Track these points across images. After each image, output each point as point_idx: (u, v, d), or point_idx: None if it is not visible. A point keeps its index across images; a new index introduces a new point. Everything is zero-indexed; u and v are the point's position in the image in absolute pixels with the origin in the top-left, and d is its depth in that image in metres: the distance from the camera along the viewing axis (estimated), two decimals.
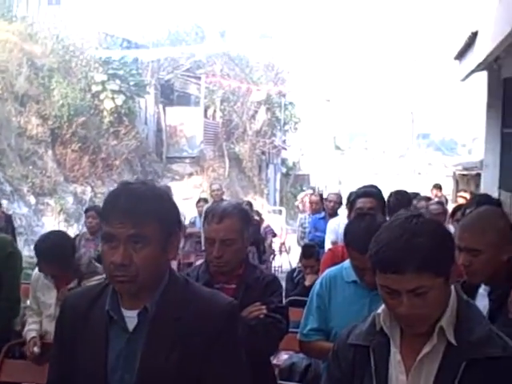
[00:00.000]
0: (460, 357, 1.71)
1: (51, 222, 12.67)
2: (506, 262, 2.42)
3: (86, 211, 6.96)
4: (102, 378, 1.80)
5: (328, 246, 5.61)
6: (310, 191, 21.51)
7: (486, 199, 4.33)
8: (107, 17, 19.87)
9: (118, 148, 16.53)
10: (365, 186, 4.27)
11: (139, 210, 1.74)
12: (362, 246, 2.67)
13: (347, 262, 2.93)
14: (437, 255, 1.68)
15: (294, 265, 11.14)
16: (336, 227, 5.76)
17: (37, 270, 4.05)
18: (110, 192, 1.86)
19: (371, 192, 4.04)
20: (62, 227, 12.66)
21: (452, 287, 1.79)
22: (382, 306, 1.81)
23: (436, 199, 8.17)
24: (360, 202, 3.91)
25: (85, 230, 7.37)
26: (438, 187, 10.12)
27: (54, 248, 3.83)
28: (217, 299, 1.88)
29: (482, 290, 2.52)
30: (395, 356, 1.79)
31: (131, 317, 1.80)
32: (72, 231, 12.88)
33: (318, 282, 3.01)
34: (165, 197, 1.87)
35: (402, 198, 5.07)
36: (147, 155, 18.70)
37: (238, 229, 2.78)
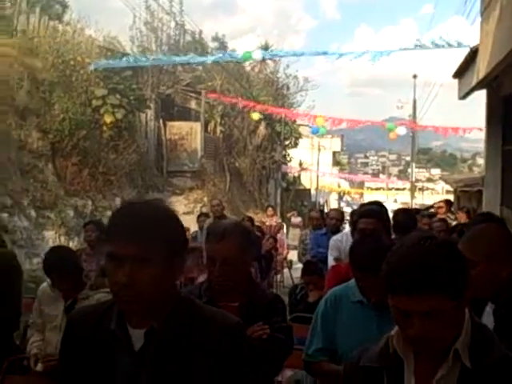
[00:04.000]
0: (476, 380, 1.69)
1: (52, 236, 12.65)
2: (506, 278, 2.39)
3: (85, 225, 6.94)
4: None
5: (331, 262, 5.59)
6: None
7: (488, 217, 4.30)
8: (107, 31, 20.00)
9: (118, 162, 16.54)
10: (369, 203, 4.25)
11: (144, 231, 1.72)
12: (366, 267, 2.66)
13: (352, 282, 2.91)
14: (451, 277, 1.65)
15: (296, 280, 11.13)
16: (339, 244, 5.74)
17: (44, 284, 4.10)
18: (115, 211, 1.84)
19: (374, 212, 3.98)
20: (63, 241, 12.65)
21: (466, 310, 1.76)
22: (396, 328, 1.78)
23: (444, 216, 8.10)
24: (362, 223, 3.87)
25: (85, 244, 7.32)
26: (447, 203, 9.68)
27: (66, 263, 3.92)
28: (224, 319, 1.85)
29: (489, 308, 2.50)
30: (409, 379, 1.76)
31: (138, 336, 1.78)
32: (73, 245, 12.85)
33: (322, 301, 2.98)
34: (170, 217, 1.85)
35: (410, 217, 5.05)
36: (148, 169, 18.71)
37: (240, 248, 2.74)
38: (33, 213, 12.40)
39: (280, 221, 14.52)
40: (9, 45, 15.24)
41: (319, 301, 5.49)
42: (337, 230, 7.51)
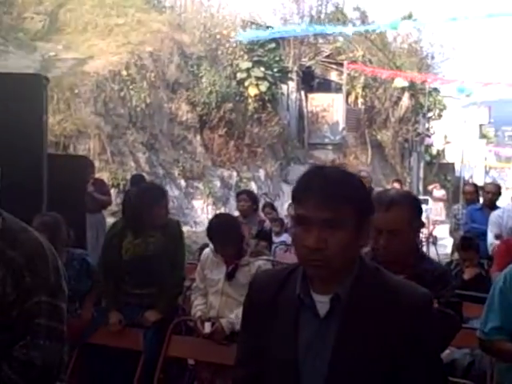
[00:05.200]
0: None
1: (200, 205, 13.15)
2: None
3: (238, 195, 7.09)
4: (294, 364, 1.78)
5: (491, 239, 5.33)
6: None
7: None
8: (252, 4, 20.21)
9: (261, 134, 16.78)
10: None
11: (336, 194, 1.70)
12: None
13: None
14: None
15: (442, 256, 10.78)
16: (499, 220, 5.46)
17: (207, 249, 4.27)
18: (304, 174, 1.82)
19: None
20: (210, 210, 13.12)
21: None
22: None
23: None
24: None
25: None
26: None
27: (229, 230, 4.07)
28: (411, 290, 1.80)
29: None
30: None
31: (323, 302, 1.76)
32: None
33: (501, 276, 2.82)
34: (359, 180, 1.82)
35: None
36: (289, 141, 18.83)
37: (407, 218, 2.65)
38: (183, 183, 12.95)
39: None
40: (160, 21, 15.92)
41: (475, 278, 5.28)
42: (493, 204, 7.14)
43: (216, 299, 4.14)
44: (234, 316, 4.03)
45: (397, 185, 12.26)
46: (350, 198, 1.71)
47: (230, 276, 4.11)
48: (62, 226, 4.14)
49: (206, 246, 6.93)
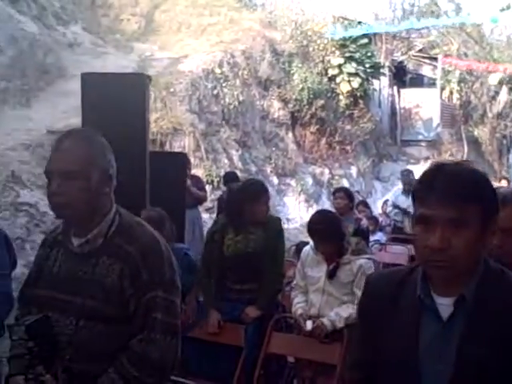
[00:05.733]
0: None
1: (292, 202, 13.15)
2: None
3: (335, 192, 7.02)
4: (415, 367, 1.73)
5: None
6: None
7: None
8: (342, 0, 20.00)
9: (353, 131, 16.59)
10: None
11: (461, 192, 1.63)
12: None
13: None
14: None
15: None
16: None
17: (307, 247, 4.24)
18: (425, 171, 1.77)
19: None
20: (303, 207, 13.09)
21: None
22: None
23: None
24: None
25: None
26: None
27: (329, 227, 4.00)
28: None
29: None
30: None
31: (445, 304, 1.71)
32: (312, 212, 13.24)
33: None
34: (485, 178, 1.75)
35: None
36: (381, 138, 18.51)
37: None
38: (275, 180, 12.98)
39: None
40: (252, 19, 16.03)
41: None
42: None
43: (317, 297, 4.11)
44: (334, 314, 3.99)
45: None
46: (477, 197, 1.65)
47: (331, 274, 4.06)
48: (166, 221, 4.23)
49: (303, 243, 6.94)
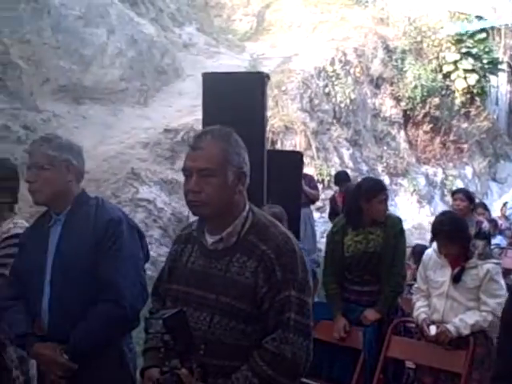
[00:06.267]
0: None
1: (404, 203, 12.87)
2: None
3: (454, 193, 6.76)
4: None
5: None
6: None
7: None
8: None
9: (468, 130, 15.98)
10: None
11: None
12: None
13: None
14: None
15: None
16: None
17: (429, 250, 4.12)
18: None
19: None
20: (415, 208, 12.77)
21: None
22: None
23: None
24: None
25: None
26: None
27: (453, 229, 3.84)
28: None
29: None
30: None
31: None
32: (424, 212, 12.92)
33: None
34: None
35: None
36: (498, 137, 17.68)
37: None
38: (386, 179, 12.72)
39: None
40: (363, 16, 15.81)
41: None
42: None
43: (440, 302, 3.96)
44: (458, 320, 3.83)
45: None
46: None
47: (456, 279, 3.90)
48: (284, 219, 4.23)
49: (419, 246, 6.76)
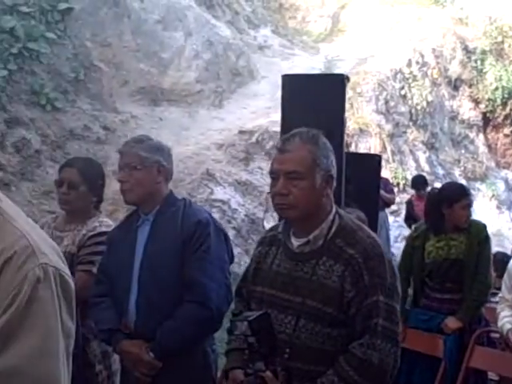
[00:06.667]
0: None
1: (482, 208, 12.47)
2: None
3: None
4: None
5: None
6: None
7: None
8: None
9: None
10: None
11: None
12: None
13: None
14: None
15: None
16: None
17: None
18: None
19: None
20: (494, 214, 12.38)
21: None
22: None
23: None
24: None
25: None
26: None
27: None
28: None
29: None
30: None
31: None
32: (503, 218, 12.49)
33: None
34: None
35: None
36: None
37: None
38: (464, 183, 12.38)
39: None
40: (442, 16, 15.45)
41: None
42: None
43: None
44: None
45: None
46: None
47: None
48: (366, 223, 4.16)
49: (500, 254, 6.56)
